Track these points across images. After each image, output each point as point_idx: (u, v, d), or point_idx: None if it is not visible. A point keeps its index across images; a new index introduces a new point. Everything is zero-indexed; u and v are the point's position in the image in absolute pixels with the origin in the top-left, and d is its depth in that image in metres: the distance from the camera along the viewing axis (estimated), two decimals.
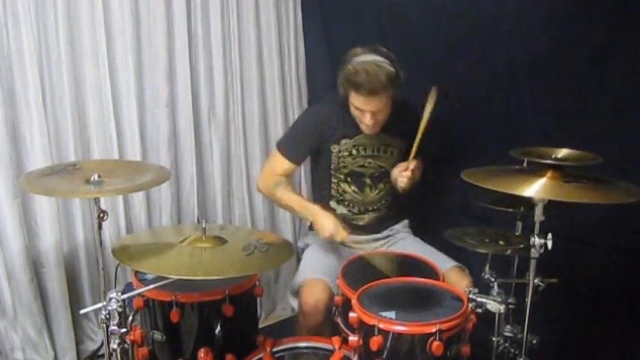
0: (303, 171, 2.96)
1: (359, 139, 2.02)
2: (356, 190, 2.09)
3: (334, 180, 2.11)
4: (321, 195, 2.20)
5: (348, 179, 2.08)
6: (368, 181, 2.08)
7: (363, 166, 2.06)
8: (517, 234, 1.83)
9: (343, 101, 1.96)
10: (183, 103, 2.56)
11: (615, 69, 1.85)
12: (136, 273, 1.74)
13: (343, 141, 2.02)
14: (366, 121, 1.90)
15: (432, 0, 2.34)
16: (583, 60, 1.92)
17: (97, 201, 1.52)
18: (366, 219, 2.13)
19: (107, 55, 2.30)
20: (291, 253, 1.67)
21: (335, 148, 2.03)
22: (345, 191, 2.10)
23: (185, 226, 2.62)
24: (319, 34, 2.83)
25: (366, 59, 1.81)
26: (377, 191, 2.10)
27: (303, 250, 2.15)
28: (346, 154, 2.03)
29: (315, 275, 1.89)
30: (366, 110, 1.87)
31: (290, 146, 2.06)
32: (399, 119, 2.00)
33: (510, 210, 1.82)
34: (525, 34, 2.04)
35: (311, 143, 2.05)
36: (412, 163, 1.90)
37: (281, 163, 2.04)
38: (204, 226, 1.64)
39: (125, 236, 2.42)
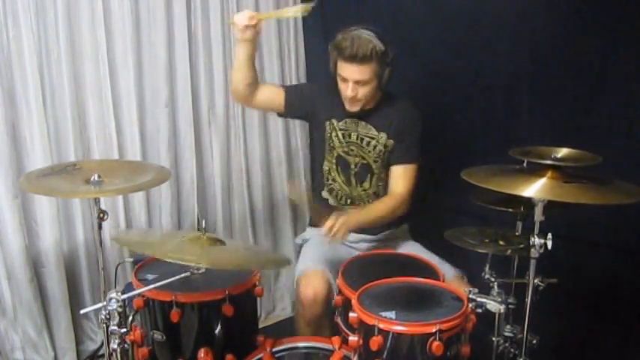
0: (303, 165, 2.96)
1: (346, 124, 2.04)
2: (344, 180, 2.10)
3: (326, 164, 2.12)
4: (315, 184, 2.24)
5: (338, 167, 2.10)
6: (353, 174, 2.09)
7: (348, 153, 2.07)
8: (517, 234, 1.83)
9: (334, 84, 2.00)
10: (183, 103, 2.56)
11: (615, 69, 1.85)
12: (136, 273, 1.74)
13: (333, 120, 2.05)
14: (347, 92, 1.91)
15: (432, 0, 2.34)
16: (583, 60, 1.92)
17: (97, 201, 1.52)
18: None
19: (107, 55, 2.30)
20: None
21: (327, 125, 2.06)
22: (334, 180, 2.12)
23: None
24: (319, 34, 2.83)
25: (356, 31, 1.87)
26: (362, 188, 2.10)
27: (301, 246, 2.16)
28: (334, 134, 2.06)
29: (313, 266, 1.90)
30: (349, 79, 1.88)
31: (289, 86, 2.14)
32: (387, 113, 2.01)
33: (510, 210, 1.82)
34: (526, 35, 2.05)
35: (305, 99, 2.07)
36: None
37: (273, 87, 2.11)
38: (204, 225, 1.64)
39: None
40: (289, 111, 2.10)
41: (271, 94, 2.07)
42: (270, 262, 2.00)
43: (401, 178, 2.04)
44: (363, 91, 1.91)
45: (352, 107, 1.97)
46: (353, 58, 1.84)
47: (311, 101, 2.07)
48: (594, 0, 1.87)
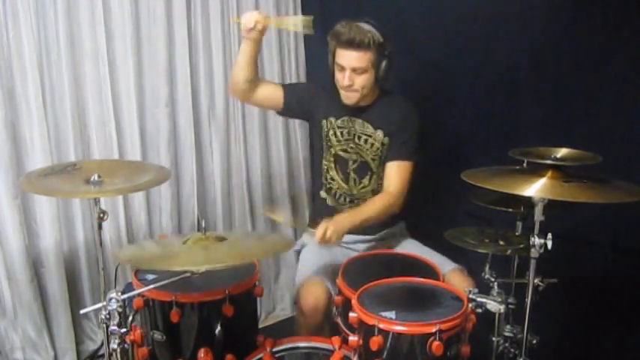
0: (303, 166, 2.96)
1: (343, 122, 2.04)
2: (342, 178, 2.10)
3: (325, 163, 2.12)
4: (314, 184, 2.25)
5: (336, 165, 2.10)
6: (352, 172, 2.09)
7: (346, 150, 2.07)
8: (517, 234, 1.83)
9: (333, 82, 2.00)
10: (183, 103, 2.56)
11: (615, 69, 1.85)
12: (136, 273, 1.74)
13: (331, 118, 2.06)
14: (345, 81, 1.91)
15: (432, 0, 2.34)
16: (583, 60, 1.92)
17: (97, 201, 1.52)
18: None
19: (107, 55, 2.30)
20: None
21: (324, 124, 2.07)
22: (333, 179, 2.11)
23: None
24: (319, 34, 2.82)
25: (355, 22, 1.90)
26: (361, 186, 2.10)
27: (299, 252, 2.16)
28: (331, 132, 2.06)
29: (312, 276, 1.90)
30: (346, 67, 1.89)
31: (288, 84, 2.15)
32: (384, 110, 2.01)
33: (510, 210, 1.82)
34: (526, 34, 2.05)
35: (303, 98, 2.09)
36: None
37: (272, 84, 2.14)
38: (203, 225, 1.64)
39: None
40: (287, 109, 2.11)
41: (270, 92, 2.08)
42: (274, 246, 1.90)
43: (394, 175, 2.02)
44: (359, 81, 1.91)
45: (349, 99, 1.97)
46: (350, 43, 1.85)
47: (309, 100, 2.09)
48: (594, 0, 1.87)
